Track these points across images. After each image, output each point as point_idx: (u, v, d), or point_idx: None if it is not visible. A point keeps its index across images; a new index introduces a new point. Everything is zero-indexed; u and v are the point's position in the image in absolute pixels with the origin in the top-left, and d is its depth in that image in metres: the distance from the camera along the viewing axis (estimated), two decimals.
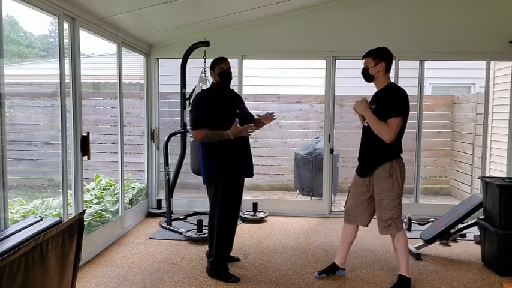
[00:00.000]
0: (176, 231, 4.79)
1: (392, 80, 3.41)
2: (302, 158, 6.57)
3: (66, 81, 3.62)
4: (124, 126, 4.84)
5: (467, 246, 4.47)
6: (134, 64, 5.91)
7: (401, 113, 3.17)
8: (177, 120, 5.52)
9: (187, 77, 5.10)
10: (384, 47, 3.32)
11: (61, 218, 3.23)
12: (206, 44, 4.76)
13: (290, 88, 7.79)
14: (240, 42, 5.54)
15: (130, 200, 5.33)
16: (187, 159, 4.95)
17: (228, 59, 3.61)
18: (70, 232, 2.41)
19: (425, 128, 6.16)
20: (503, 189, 3.72)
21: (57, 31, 3.55)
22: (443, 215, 4.49)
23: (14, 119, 6.83)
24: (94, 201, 4.93)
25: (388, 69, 3.30)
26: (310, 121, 7.43)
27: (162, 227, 5.03)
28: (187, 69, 5.07)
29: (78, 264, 2.60)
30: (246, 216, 5.38)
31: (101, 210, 4.64)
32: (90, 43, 5.98)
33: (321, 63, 5.63)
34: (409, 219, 4.94)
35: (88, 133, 3.87)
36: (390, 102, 3.19)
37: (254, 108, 7.07)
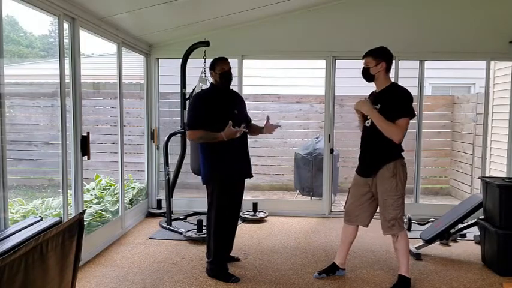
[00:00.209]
0: (176, 231, 4.78)
1: (392, 80, 3.41)
2: (302, 158, 6.57)
3: (66, 81, 3.62)
4: (124, 126, 4.84)
5: (467, 246, 4.47)
6: (134, 64, 5.91)
7: (410, 114, 3.20)
8: (177, 120, 5.52)
9: (187, 77, 5.09)
10: (384, 46, 3.32)
11: (61, 218, 3.23)
12: (206, 44, 4.76)
13: (290, 88, 7.79)
14: (240, 42, 5.54)
15: (130, 200, 5.33)
16: (187, 159, 4.95)
17: (228, 59, 3.60)
18: (70, 232, 2.41)
19: (425, 128, 6.16)
20: (503, 189, 3.72)
21: (57, 31, 3.55)
22: (443, 215, 4.49)
23: (14, 119, 6.83)
24: (94, 201, 4.93)
25: (388, 69, 3.30)
26: (310, 121, 7.44)
27: (162, 227, 5.03)
28: (187, 69, 5.07)
29: (78, 264, 2.60)
30: (246, 216, 5.39)
31: (101, 210, 4.64)
32: (90, 43, 5.99)
33: (321, 63, 5.63)
34: (409, 219, 4.94)
35: (88, 133, 3.87)
36: (398, 103, 3.19)
37: (254, 108, 7.12)
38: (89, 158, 3.90)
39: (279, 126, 3.78)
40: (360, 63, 3.38)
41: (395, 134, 3.16)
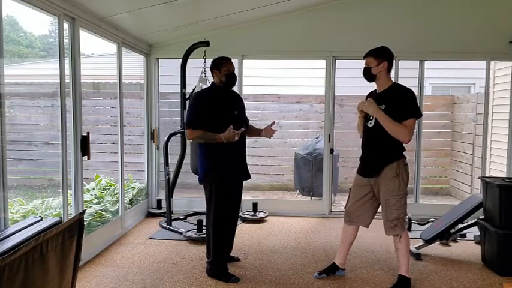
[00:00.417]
0: (176, 231, 4.78)
1: (392, 80, 3.40)
2: (302, 158, 6.57)
3: (66, 81, 3.62)
4: (124, 126, 4.84)
5: (467, 246, 4.47)
6: (134, 64, 5.91)
7: (417, 114, 3.22)
8: (177, 120, 5.52)
9: (187, 77, 5.09)
10: (385, 46, 3.31)
11: (61, 218, 3.23)
12: (206, 44, 4.76)
13: (290, 88, 7.80)
14: (240, 42, 5.54)
15: (130, 200, 5.33)
16: (187, 159, 4.95)
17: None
18: (70, 232, 2.41)
19: (425, 128, 6.16)
20: (503, 189, 3.72)
21: (57, 31, 3.55)
22: (443, 215, 4.49)
23: (14, 119, 6.83)
24: (94, 201, 4.93)
25: (390, 69, 3.29)
26: (310, 121, 7.43)
27: (162, 227, 5.03)
28: (187, 69, 5.07)
29: (78, 264, 2.60)
30: (246, 216, 5.38)
31: (101, 210, 4.64)
32: (90, 43, 5.99)
33: (321, 63, 5.63)
34: (409, 219, 4.93)
35: (88, 133, 3.87)
36: (404, 103, 3.19)
37: (254, 108, 7.13)
38: (89, 158, 3.89)
39: (274, 122, 3.76)
40: (360, 63, 3.38)
41: (404, 134, 3.16)
